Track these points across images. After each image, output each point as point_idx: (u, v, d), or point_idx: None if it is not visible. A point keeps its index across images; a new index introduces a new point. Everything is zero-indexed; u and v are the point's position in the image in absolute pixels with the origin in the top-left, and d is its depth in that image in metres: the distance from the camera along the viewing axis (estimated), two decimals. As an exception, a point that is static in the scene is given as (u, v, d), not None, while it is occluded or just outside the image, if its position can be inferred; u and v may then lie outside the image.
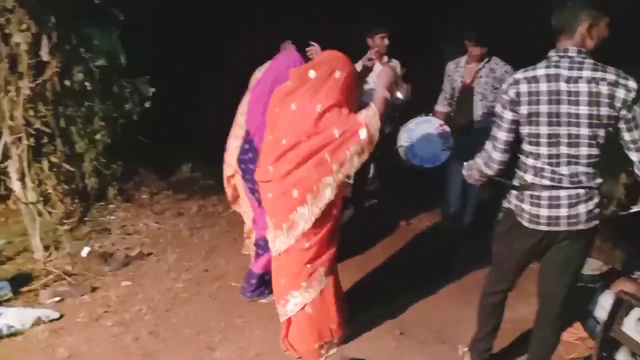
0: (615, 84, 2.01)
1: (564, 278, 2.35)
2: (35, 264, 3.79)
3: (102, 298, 3.39)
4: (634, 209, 2.56)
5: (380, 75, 2.65)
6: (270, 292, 3.36)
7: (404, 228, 4.64)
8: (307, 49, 3.30)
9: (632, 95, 2.00)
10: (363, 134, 2.46)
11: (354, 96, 2.66)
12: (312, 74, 2.51)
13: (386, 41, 4.08)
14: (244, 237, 3.90)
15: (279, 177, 2.56)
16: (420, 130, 3.64)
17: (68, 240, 4.07)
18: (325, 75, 2.51)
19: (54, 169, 4.31)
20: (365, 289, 3.56)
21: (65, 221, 4.35)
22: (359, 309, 3.15)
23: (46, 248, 3.91)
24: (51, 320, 3.05)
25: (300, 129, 2.50)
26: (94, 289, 3.49)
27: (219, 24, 6.55)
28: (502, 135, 2.22)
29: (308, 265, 2.68)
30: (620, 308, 2.35)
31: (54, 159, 4.27)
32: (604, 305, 2.51)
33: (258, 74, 3.50)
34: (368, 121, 2.48)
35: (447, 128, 3.71)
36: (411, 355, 2.92)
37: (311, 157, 2.48)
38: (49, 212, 4.22)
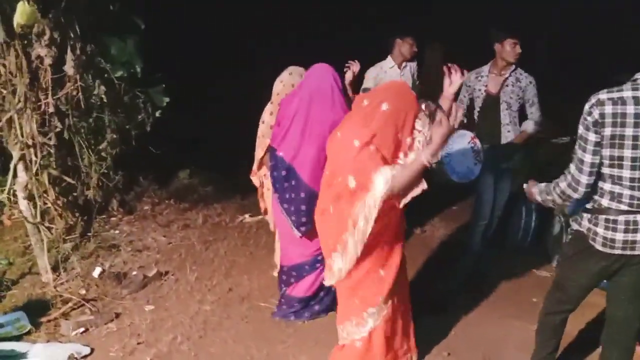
0: None
1: (638, 302, 2.33)
2: (45, 287, 3.53)
3: (129, 326, 3.17)
4: None
5: (436, 130, 2.31)
6: (309, 315, 3.27)
7: (419, 236, 4.60)
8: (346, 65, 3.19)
9: None
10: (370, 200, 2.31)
11: (397, 134, 2.36)
12: (365, 102, 2.37)
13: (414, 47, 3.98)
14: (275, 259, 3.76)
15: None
16: (456, 145, 3.56)
17: (76, 259, 3.81)
18: (373, 105, 2.34)
19: (53, 182, 4.03)
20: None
21: (66, 237, 4.08)
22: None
23: (54, 269, 3.65)
24: (84, 357, 2.83)
25: (338, 162, 2.40)
26: (117, 315, 3.28)
27: (230, 33, 6.48)
28: (588, 157, 2.16)
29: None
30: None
31: (53, 171, 3.98)
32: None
33: (280, 85, 3.34)
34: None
35: (478, 141, 3.66)
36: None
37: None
38: (48, 228, 3.93)
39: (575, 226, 2.38)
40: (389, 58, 4.28)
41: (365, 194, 2.29)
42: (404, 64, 4.31)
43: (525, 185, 2.63)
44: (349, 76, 3.43)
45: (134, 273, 3.76)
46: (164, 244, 4.31)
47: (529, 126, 3.77)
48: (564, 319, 2.59)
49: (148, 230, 4.49)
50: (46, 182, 3.93)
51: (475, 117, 3.82)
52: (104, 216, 4.58)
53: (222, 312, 3.39)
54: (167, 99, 3.76)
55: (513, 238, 4.14)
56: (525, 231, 4.08)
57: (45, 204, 3.96)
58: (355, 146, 2.29)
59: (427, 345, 3.02)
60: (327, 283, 2.61)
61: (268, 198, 3.54)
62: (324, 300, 3.26)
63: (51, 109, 2.94)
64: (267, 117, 3.37)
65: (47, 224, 3.86)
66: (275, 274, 3.64)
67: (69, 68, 2.77)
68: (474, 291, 3.62)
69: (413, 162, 2.32)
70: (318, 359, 2.91)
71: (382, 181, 2.26)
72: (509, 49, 3.54)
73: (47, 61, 2.71)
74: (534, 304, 3.49)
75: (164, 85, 3.73)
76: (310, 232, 3.05)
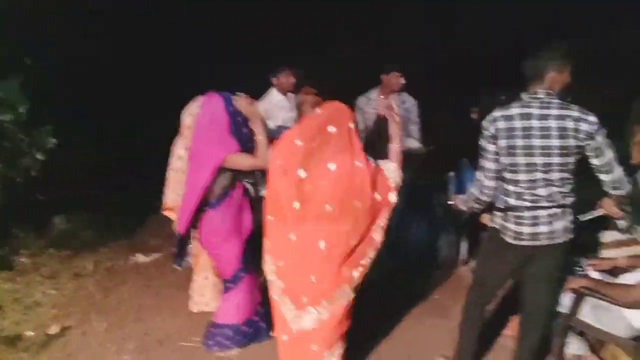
0: (579, 120, 2.42)
1: (549, 288, 2.72)
2: None
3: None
4: (589, 216, 3.05)
5: (392, 130, 2.78)
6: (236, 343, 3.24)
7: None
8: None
9: (594, 127, 2.42)
10: (393, 198, 2.58)
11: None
12: (332, 129, 2.48)
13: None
14: (192, 294, 3.68)
15: (336, 244, 2.47)
16: None
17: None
18: (344, 128, 2.51)
19: None
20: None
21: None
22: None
23: None
24: None
25: (351, 190, 2.45)
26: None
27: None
28: (488, 165, 2.52)
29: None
30: (579, 300, 2.83)
31: None
32: (561, 300, 2.97)
33: (190, 118, 3.31)
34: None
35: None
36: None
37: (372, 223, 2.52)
38: None
39: (490, 225, 2.73)
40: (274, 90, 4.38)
41: (386, 204, 2.54)
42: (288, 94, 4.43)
43: (451, 202, 2.94)
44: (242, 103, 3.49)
45: (31, 334, 3.38)
46: (57, 297, 3.92)
47: (411, 143, 4.19)
48: (483, 310, 2.91)
49: (34, 285, 4.05)
50: None
51: (365, 135, 4.15)
52: (-27, 277, 4.04)
53: (144, 359, 3.20)
54: (54, 140, 3.46)
55: (408, 245, 4.49)
56: (419, 238, 4.46)
57: None
58: (360, 166, 2.46)
59: (352, 351, 3.17)
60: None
61: None
62: (258, 325, 3.27)
63: None
64: (183, 152, 3.29)
65: None
66: (195, 308, 3.61)
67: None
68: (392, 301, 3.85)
69: (395, 153, 2.69)
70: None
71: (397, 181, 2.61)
72: (394, 80, 3.97)
73: None
74: (436, 300, 3.87)
75: (51, 127, 3.43)
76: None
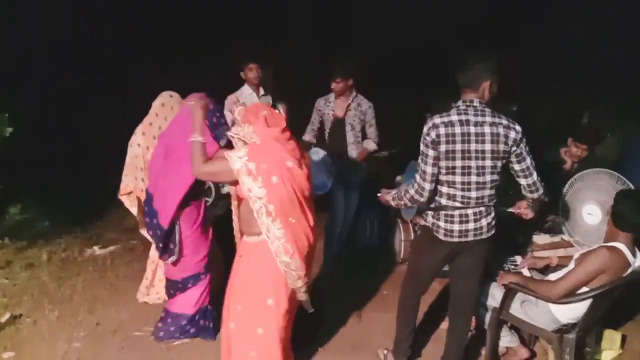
0: (508, 127, 2.63)
1: (474, 278, 2.94)
2: None
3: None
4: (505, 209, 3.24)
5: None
6: (195, 331, 3.34)
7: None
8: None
9: (520, 135, 2.65)
10: None
11: None
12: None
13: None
14: (146, 283, 3.73)
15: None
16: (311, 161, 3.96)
17: None
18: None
19: None
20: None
21: None
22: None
23: None
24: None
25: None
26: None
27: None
28: (429, 169, 2.67)
29: None
30: (509, 295, 3.03)
31: None
32: (494, 296, 3.17)
33: (160, 107, 3.34)
34: None
35: (329, 158, 4.12)
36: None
37: None
38: None
39: (422, 222, 2.90)
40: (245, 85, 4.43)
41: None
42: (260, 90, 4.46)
43: (379, 194, 3.09)
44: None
45: (-21, 322, 3.39)
46: (9, 286, 3.94)
47: (369, 144, 4.36)
48: (418, 302, 3.10)
49: (-17, 275, 4.04)
50: None
51: (326, 137, 4.29)
52: None
53: (95, 346, 3.27)
54: (10, 129, 3.47)
55: (362, 241, 4.67)
56: (372, 235, 4.64)
57: None
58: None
59: (299, 342, 3.31)
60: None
61: None
62: (210, 315, 3.36)
63: None
64: (140, 138, 3.33)
65: None
66: (142, 298, 3.69)
67: None
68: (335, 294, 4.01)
69: None
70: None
71: None
72: (340, 86, 4.15)
73: None
74: (385, 296, 4.03)
75: (7, 114, 3.44)
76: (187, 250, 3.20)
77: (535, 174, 2.72)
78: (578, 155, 3.95)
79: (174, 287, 3.30)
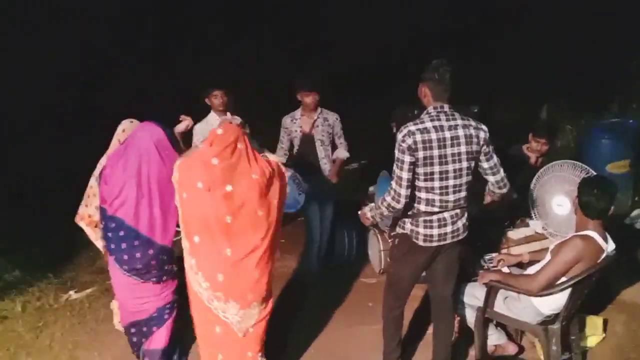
0: (477, 128, 2.72)
1: (452, 279, 3.00)
2: None
3: None
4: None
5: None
6: None
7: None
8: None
9: (487, 134, 2.74)
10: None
11: None
12: (240, 145, 2.67)
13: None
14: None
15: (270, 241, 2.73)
16: None
17: None
18: (245, 143, 2.70)
19: None
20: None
21: None
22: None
23: None
24: None
25: (269, 190, 2.71)
26: None
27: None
28: (405, 175, 2.68)
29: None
30: (492, 293, 3.08)
31: None
32: (476, 295, 3.22)
33: (123, 134, 3.29)
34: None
35: (298, 174, 4.13)
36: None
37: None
38: None
39: (400, 231, 2.92)
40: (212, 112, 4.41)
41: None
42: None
43: (359, 212, 3.11)
44: (181, 127, 3.56)
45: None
46: (-17, 343, 3.78)
47: (341, 153, 4.39)
48: (402, 312, 3.13)
49: (-46, 333, 3.88)
50: None
51: (295, 153, 4.31)
52: None
53: (81, 396, 3.17)
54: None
55: (341, 254, 4.68)
56: (350, 247, 4.66)
57: None
58: (269, 169, 2.72)
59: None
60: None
61: None
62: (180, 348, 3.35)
63: None
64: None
65: None
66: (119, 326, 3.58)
67: None
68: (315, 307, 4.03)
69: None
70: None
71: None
72: (309, 99, 4.15)
73: None
74: (370, 308, 4.04)
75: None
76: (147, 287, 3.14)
77: (502, 170, 2.82)
78: (539, 150, 4.07)
79: (138, 333, 3.23)
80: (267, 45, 9.28)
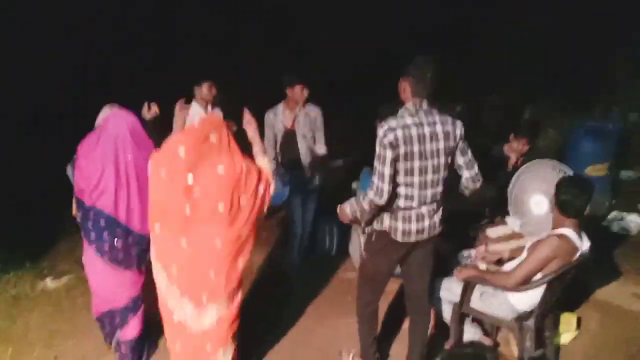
0: (453, 124, 2.75)
1: (427, 274, 3.03)
2: None
3: None
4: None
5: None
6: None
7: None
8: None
9: (463, 130, 2.78)
10: (273, 185, 2.80)
11: None
12: (213, 138, 2.59)
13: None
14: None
15: (232, 240, 2.62)
16: None
17: None
18: (223, 136, 2.64)
19: None
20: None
21: None
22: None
23: None
24: None
25: (238, 187, 2.60)
26: None
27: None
28: (386, 170, 2.69)
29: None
30: (468, 289, 3.12)
31: None
32: (452, 290, 3.25)
33: None
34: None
35: (280, 168, 4.15)
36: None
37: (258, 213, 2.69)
38: None
39: (378, 227, 2.93)
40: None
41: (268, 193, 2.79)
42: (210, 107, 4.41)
43: (338, 208, 3.10)
44: (147, 115, 3.56)
45: None
46: (-44, 330, 3.73)
47: (321, 149, 4.40)
48: (377, 307, 3.15)
49: None
50: None
51: (278, 148, 4.31)
52: None
53: (55, 381, 3.14)
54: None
55: (322, 248, 4.70)
56: (331, 241, 4.68)
57: None
58: (243, 166, 2.63)
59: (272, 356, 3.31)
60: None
61: None
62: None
63: None
64: None
65: None
66: None
67: None
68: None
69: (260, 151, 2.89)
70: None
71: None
72: (299, 93, 4.11)
73: None
74: (349, 302, 4.04)
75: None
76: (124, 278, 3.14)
77: (476, 165, 2.85)
78: (520, 150, 4.12)
79: (112, 324, 3.22)
80: (260, 47, 9.24)
